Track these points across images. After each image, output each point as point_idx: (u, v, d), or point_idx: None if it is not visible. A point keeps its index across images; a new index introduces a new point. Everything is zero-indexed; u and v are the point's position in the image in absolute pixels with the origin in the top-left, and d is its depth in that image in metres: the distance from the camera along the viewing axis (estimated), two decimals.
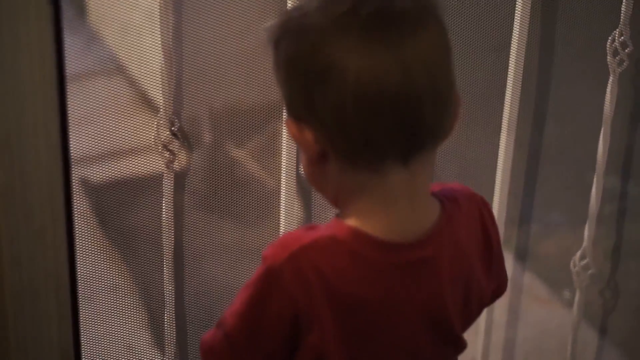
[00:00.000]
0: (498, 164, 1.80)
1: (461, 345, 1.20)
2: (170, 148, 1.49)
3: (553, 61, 1.85)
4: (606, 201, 1.90)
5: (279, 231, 1.62)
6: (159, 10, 1.43)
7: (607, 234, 1.98)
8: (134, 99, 1.59)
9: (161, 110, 1.48)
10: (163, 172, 1.50)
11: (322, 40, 1.04)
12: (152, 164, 1.49)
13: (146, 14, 1.45)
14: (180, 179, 1.52)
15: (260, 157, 1.63)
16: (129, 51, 1.52)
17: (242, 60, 1.54)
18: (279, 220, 1.63)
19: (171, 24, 1.44)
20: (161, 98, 1.47)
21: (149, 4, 1.44)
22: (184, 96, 1.49)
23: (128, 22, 1.48)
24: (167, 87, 1.46)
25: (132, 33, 1.47)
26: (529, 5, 1.71)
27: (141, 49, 1.48)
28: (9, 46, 1.01)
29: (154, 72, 1.46)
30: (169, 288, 1.57)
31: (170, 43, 1.45)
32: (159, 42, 1.44)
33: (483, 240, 1.19)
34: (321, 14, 1.05)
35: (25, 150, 1.04)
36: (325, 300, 1.06)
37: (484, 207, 1.20)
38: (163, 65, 1.45)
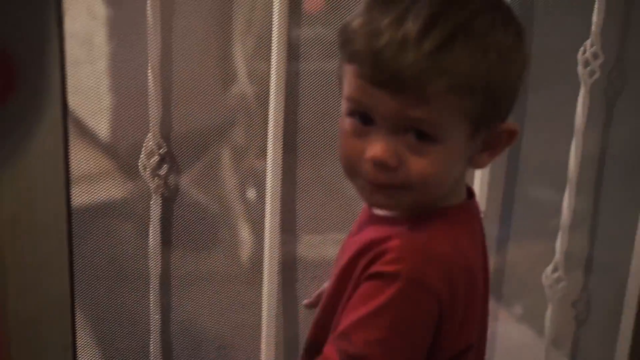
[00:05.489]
0: (475, 176, 1.80)
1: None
2: (158, 173, 1.47)
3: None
4: (578, 213, 1.91)
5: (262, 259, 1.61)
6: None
7: (579, 246, 2.00)
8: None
9: (150, 132, 1.46)
10: (151, 195, 1.49)
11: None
12: (141, 190, 1.48)
13: None
14: (168, 204, 1.50)
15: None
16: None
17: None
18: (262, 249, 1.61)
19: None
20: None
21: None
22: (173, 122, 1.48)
23: None
24: (154, 110, 1.45)
25: None
26: None
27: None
28: None
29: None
30: (154, 317, 1.54)
31: (157, 70, 1.44)
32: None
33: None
34: None
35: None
36: (462, 283, 1.07)
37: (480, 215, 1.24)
38: (151, 88, 1.44)
